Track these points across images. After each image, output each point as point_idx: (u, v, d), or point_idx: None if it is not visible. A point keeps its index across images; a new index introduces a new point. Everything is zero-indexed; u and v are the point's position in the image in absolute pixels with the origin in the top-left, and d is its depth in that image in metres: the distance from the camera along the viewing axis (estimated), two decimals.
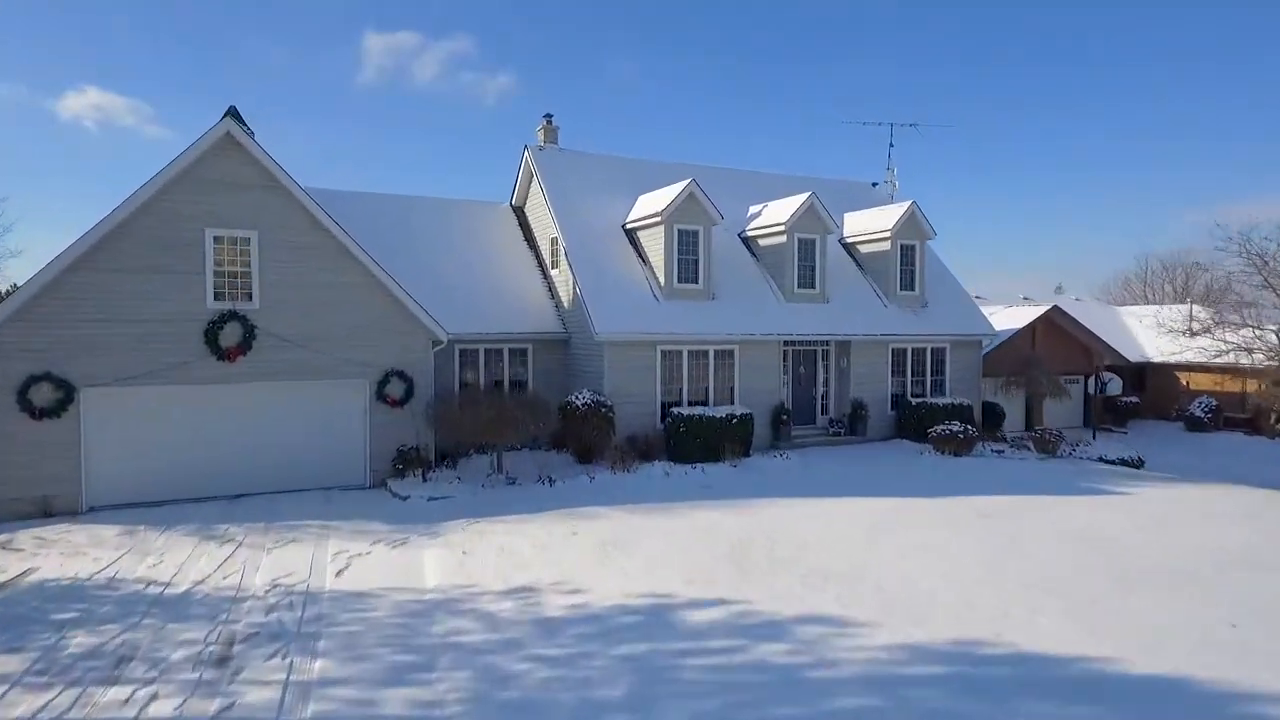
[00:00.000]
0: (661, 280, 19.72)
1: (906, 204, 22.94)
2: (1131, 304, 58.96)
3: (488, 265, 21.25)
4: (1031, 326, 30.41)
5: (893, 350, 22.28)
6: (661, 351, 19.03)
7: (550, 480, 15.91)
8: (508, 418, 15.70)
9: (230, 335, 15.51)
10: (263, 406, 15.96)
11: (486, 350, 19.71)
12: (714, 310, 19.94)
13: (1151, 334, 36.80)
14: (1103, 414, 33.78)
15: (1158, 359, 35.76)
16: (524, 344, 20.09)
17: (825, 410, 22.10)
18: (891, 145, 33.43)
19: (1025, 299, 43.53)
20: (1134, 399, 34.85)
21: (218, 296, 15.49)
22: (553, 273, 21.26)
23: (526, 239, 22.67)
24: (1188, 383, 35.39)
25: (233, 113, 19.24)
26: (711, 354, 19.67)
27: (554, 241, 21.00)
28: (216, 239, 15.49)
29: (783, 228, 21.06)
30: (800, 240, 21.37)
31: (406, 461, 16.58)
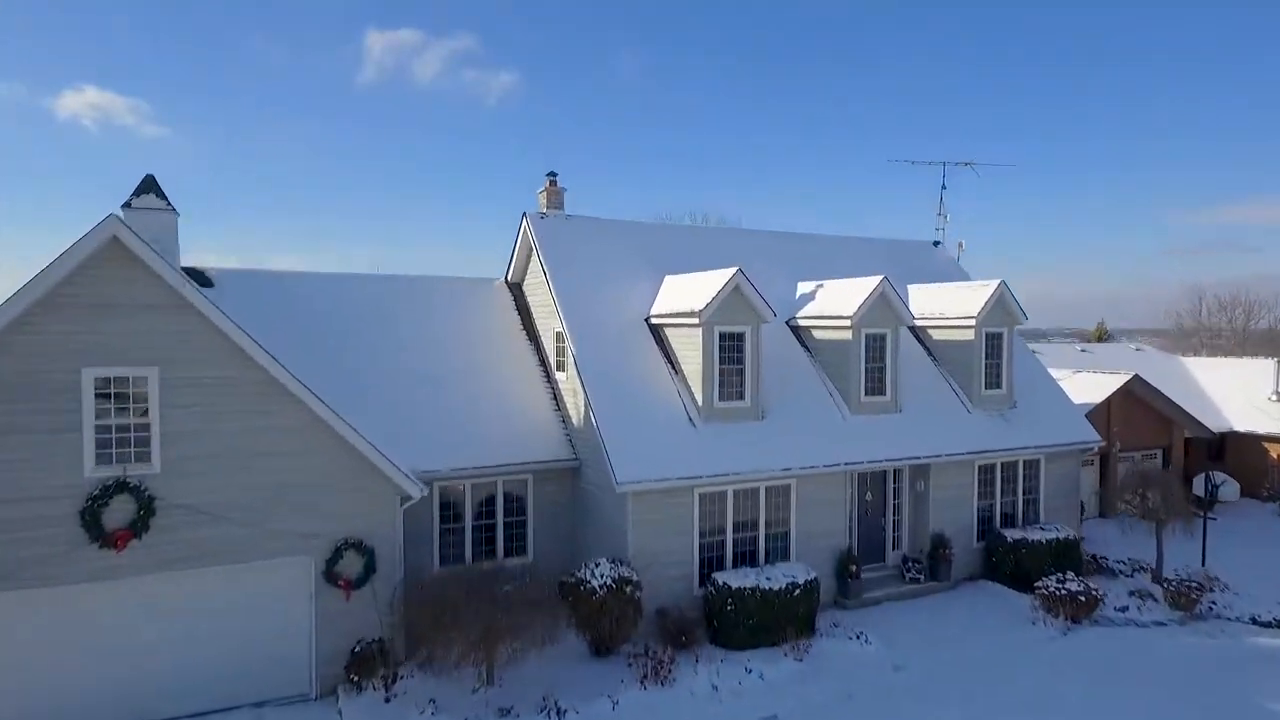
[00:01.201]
0: (699, 397, 15.44)
1: (993, 285, 18.64)
2: (1181, 341, 55.00)
3: (477, 368, 16.95)
4: (1107, 402, 26.37)
5: (979, 467, 17.99)
6: (700, 495, 14.75)
7: (558, 711, 11.61)
8: (502, 630, 11.45)
9: (118, 513, 11.28)
10: (169, 604, 11.73)
11: (475, 485, 15.44)
12: (764, 434, 15.67)
13: (1225, 389, 32.70)
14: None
15: (1242, 427, 31.51)
16: (523, 475, 15.81)
17: (897, 543, 17.80)
18: (944, 188, 29.01)
19: (1081, 349, 39.32)
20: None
21: (101, 460, 11.25)
22: (558, 376, 16.99)
23: (525, 326, 18.38)
24: (1278, 456, 31.16)
25: (147, 187, 14.95)
26: (762, 492, 15.39)
27: (559, 336, 16.73)
28: (100, 382, 11.24)
29: (848, 323, 16.77)
30: (868, 337, 17.09)
31: (364, 665, 12.33)
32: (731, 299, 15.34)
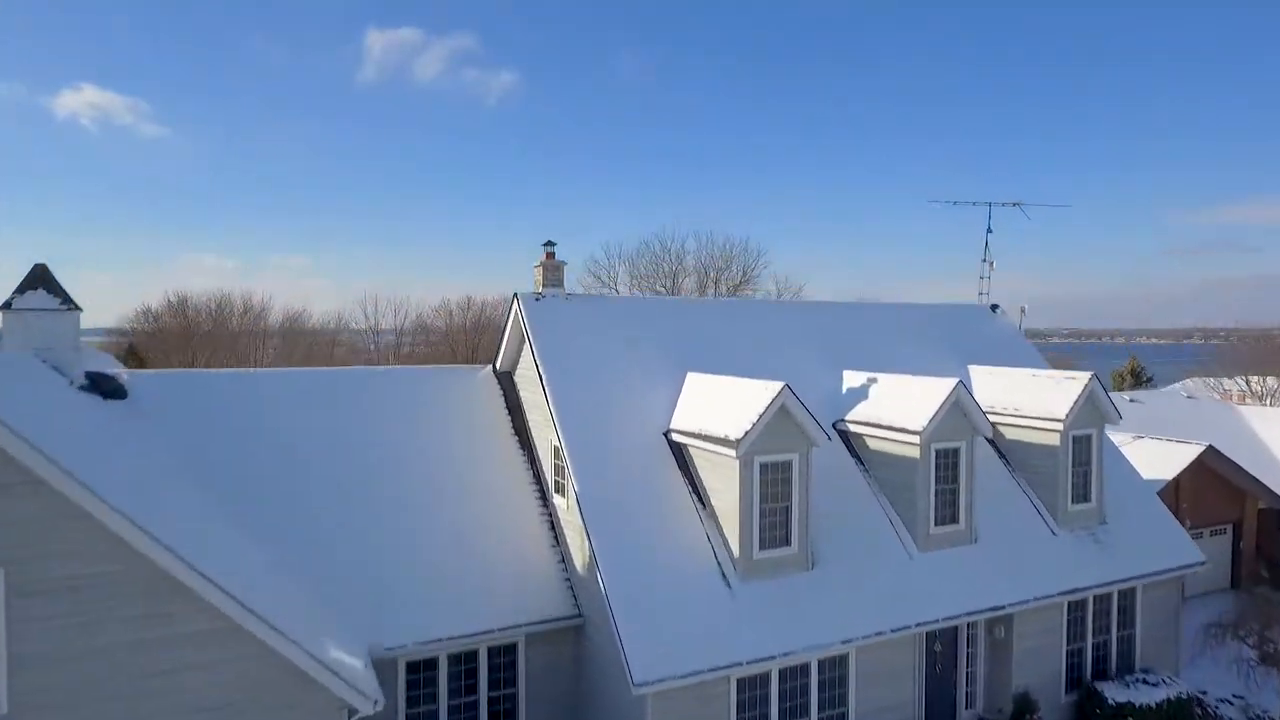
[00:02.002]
0: (735, 545, 12.23)
1: (1081, 381, 15.44)
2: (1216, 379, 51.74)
3: (458, 492, 13.71)
4: (1176, 480, 23.41)
5: (1068, 604, 14.79)
6: (738, 681, 11.54)
7: None
8: None
9: None
10: None
11: (450, 656, 12.22)
12: (816, 590, 12.47)
13: None
14: (1254, 565, 26.59)
15: None
16: (512, 638, 12.59)
17: (970, 703, 14.58)
18: (990, 231, 25.80)
19: (1130, 399, 36.03)
20: None
21: None
22: (557, 500, 13.79)
23: (517, 429, 15.16)
24: None
25: (36, 280, 11.79)
26: (814, 668, 12.18)
27: (557, 452, 13.52)
28: None
29: (915, 439, 13.55)
30: (939, 453, 13.88)
31: None
32: (777, 422, 12.12)
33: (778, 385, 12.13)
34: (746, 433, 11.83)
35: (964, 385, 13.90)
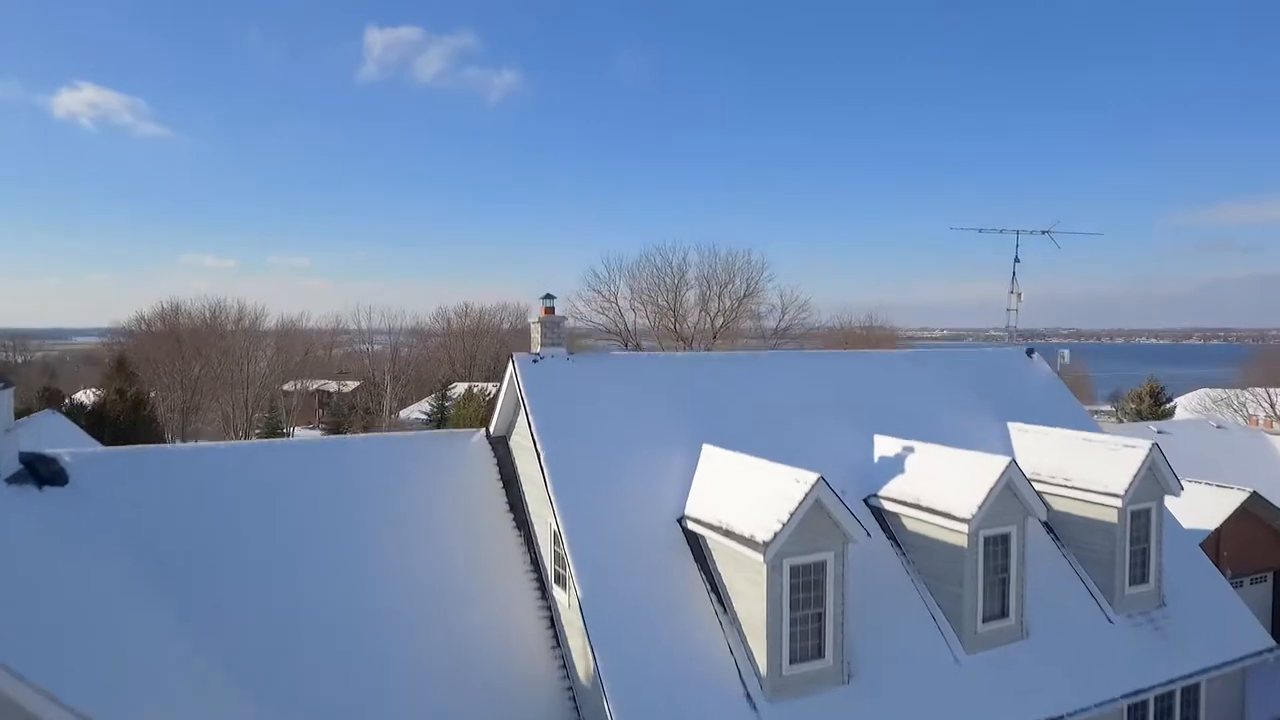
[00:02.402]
0: (761, 660, 10.67)
1: (1141, 450, 13.89)
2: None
3: (443, 588, 12.12)
4: (1218, 531, 22.12)
5: (1128, 707, 13.24)
6: None
7: None
8: None
9: None
10: None
11: None
12: (852, 708, 10.91)
13: None
14: None
15: None
16: None
17: None
18: (1018, 260, 24.25)
19: (1157, 430, 34.51)
20: None
21: None
22: (557, 592, 12.22)
23: (511, 503, 13.58)
24: None
25: None
26: None
27: (556, 537, 11.94)
28: None
29: (962, 528, 11.98)
30: (988, 540, 12.33)
31: None
32: (810, 520, 10.55)
33: (810, 477, 10.56)
34: (776, 534, 10.26)
35: (1016, 466, 12.33)
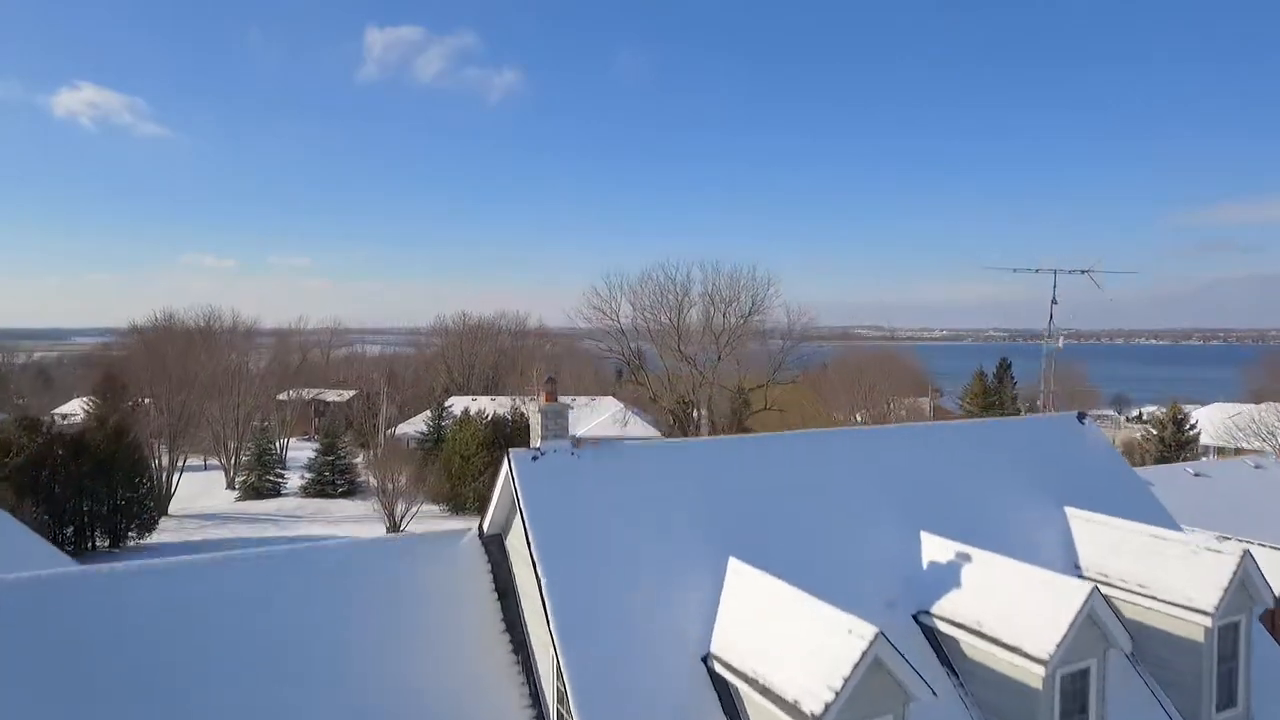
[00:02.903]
0: None
1: (1231, 559, 12.08)
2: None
3: None
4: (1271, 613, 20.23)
5: None
6: None
7: None
8: None
9: None
10: None
11: None
12: None
13: None
14: None
15: None
16: None
17: None
18: (1055, 302, 22.49)
19: (1195, 474, 32.67)
20: None
21: None
22: None
23: (507, 621, 11.77)
24: None
25: None
26: None
27: (557, 668, 10.13)
28: None
29: (1039, 670, 10.18)
30: (1064, 678, 10.54)
31: None
32: (869, 680, 8.76)
33: (869, 631, 8.75)
34: (828, 705, 8.45)
35: (1098, 593, 10.53)
